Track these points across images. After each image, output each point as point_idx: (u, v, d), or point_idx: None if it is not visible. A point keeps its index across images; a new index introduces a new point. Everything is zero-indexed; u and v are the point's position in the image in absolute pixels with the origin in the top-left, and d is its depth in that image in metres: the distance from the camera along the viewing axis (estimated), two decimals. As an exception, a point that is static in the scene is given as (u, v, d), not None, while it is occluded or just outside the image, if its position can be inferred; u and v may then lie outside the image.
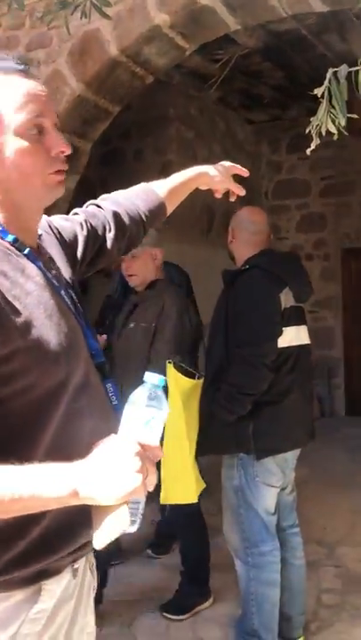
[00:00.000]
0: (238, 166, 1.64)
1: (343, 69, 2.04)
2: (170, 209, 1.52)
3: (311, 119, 2.17)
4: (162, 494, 2.43)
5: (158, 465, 1.12)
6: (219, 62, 5.32)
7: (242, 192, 1.61)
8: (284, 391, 2.35)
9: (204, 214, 6.17)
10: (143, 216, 1.42)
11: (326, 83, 2.09)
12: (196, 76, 5.68)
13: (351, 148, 6.74)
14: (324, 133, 2.10)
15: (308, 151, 2.23)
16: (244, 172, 1.63)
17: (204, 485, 2.55)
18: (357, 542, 3.46)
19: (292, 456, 2.45)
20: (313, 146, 2.21)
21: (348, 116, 2.11)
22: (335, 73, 2.06)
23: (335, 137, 2.16)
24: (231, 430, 2.32)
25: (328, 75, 2.04)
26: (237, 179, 1.66)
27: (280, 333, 2.31)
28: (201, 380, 2.51)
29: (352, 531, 3.62)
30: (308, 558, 2.66)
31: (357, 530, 3.63)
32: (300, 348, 2.43)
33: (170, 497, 2.46)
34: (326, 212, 6.98)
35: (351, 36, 4.79)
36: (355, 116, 2.12)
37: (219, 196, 1.62)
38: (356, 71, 2.08)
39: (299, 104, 6.60)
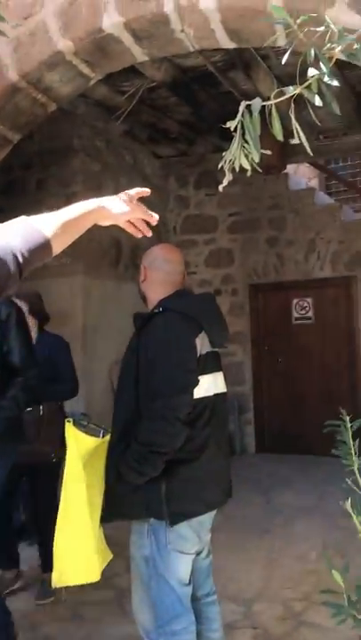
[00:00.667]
0: (141, 189, 1.49)
1: (256, 102, 1.89)
2: (58, 248, 1.29)
3: (223, 154, 2.01)
4: (54, 575, 2.12)
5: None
6: (125, 94, 5.21)
7: (148, 233, 1.49)
8: (200, 447, 2.14)
9: (112, 247, 5.98)
10: (20, 256, 1.18)
11: (239, 116, 1.94)
12: (103, 107, 5.54)
13: (257, 185, 6.84)
14: (237, 169, 1.94)
15: (220, 187, 2.07)
16: (146, 193, 1.51)
17: (111, 556, 2.26)
18: (275, 597, 3.28)
19: (208, 518, 2.24)
20: (226, 182, 2.03)
21: (261, 152, 1.98)
22: (248, 106, 1.92)
23: (248, 173, 2.01)
24: (141, 493, 2.07)
25: (241, 108, 1.90)
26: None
27: (196, 383, 2.11)
28: (107, 438, 2.25)
29: (269, 584, 3.44)
30: (224, 620, 2.44)
31: (274, 582, 3.45)
32: (216, 397, 2.24)
33: (66, 577, 2.15)
34: (234, 248, 6.99)
35: (257, 75, 4.83)
36: (268, 152, 1.97)
37: (133, 232, 1.49)
38: (269, 105, 1.95)
39: (205, 140, 6.62)
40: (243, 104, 1.93)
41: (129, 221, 1.46)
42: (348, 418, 1.90)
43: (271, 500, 4.89)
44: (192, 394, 2.07)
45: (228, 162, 2.01)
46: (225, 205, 7.06)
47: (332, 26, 1.90)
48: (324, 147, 6.15)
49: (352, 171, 8.31)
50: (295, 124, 1.87)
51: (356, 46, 1.81)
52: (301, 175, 8.22)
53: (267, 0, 2.96)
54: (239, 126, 1.96)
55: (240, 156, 1.99)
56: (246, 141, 1.99)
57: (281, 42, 3.22)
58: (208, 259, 7.15)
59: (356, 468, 1.92)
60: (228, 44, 3.45)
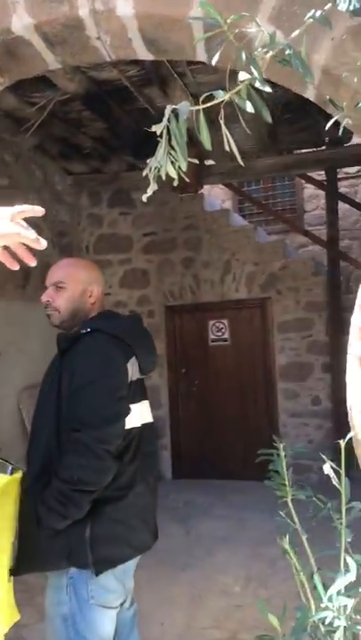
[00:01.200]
0: (29, 207, 1.16)
1: (184, 106, 1.72)
2: None
3: (148, 161, 1.82)
4: None
5: None
6: (36, 105, 4.95)
7: (32, 262, 1.17)
8: (128, 483, 1.92)
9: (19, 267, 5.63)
10: None
11: (165, 120, 1.76)
12: (11, 118, 5.24)
13: (172, 205, 6.75)
14: (164, 177, 1.76)
15: (144, 197, 1.89)
16: (38, 212, 1.17)
17: (18, 617, 1.96)
18: (200, 638, 3.06)
19: (133, 563, 2.01)
20: (150, 191, 1.85)
21: (189, 160, 1.81)
22: (175, 110, 1.76)
23: (175, 182, 1.83)
24: (61, 539, 1.81)
25: (167, 112, 1.72)
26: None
27: (128, 412, 1.89)
28: (17, 475, 1.96)
29: (193, 623, 3.23)
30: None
31: (199, 621, 3.24)
32: (144, 428, 2.03)
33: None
34: (149, 269, 6.83)
35: (173, 92, 4.73)
36: (195, 160, 1.81)
37: (6, 262, 1.17)
38: (197, 111, 1.79)
39: (120, 158, 6.45)
40: (168, 107, 1.75)
41: (3, 247, 1.14)
42: (281, 446, 1.75)
43: (190, 530, 4.69)
44: (124, 424, 1.86)
45: (152, 170, 1.82)
46: (140, 225, 6.92)
47: (263, 29, 1.77)
48: (238, 169, 6.15)
49: (265, 194, 8.43)
50: (225, 131, 1.71)
51: (288, 52, 1.68)
52: (215, 197, 8.24)
53: (186, 10, 2.84)
54: (165, 132, 1.78)
55: (166, 163, 1.81)
56: (172, 148, 1.81)
57: (201, 54, 3.10)
58: (123, 279, 6.95)
59: (289, 499, 1.77)
60: (146, 55, 3.30)
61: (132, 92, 4.90)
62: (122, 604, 2.01)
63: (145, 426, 2.04)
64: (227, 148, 1.65)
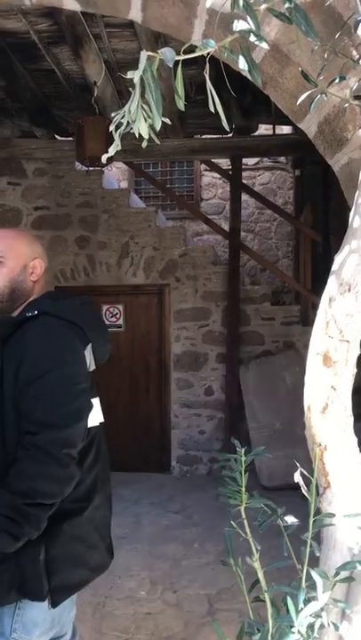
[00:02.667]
0: None
1: (168, 52, 1.43)
2: None
3: (114, 114, 1.52)
4: None
5: None
6: None
7: None
8: (87, 493, 1.61)
9: None
10: None
11: (141, 67, 1.47)
12: None
13: (67, 178, 6.31)
14: (136, 134, 1.48)
15: (103, 158, 1.61)
16: None
17: None
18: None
19: None
20: (112, 151, 1.55)
21: (163, 119, 1.55)
22: (150, 58, 1.48)
23: (144, 143, 1.56)
24: (10, 565, 1.48)
25: (142, 57, 1.43)
26: None
27: (91, 407, 1.59)
28: None
29: (100, 636, 2.95)
30: None
31: (107, 635, 2.97)
32: (100, 428, 1.74)
33: None
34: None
35: (87, 56, 4.33)
36: (167, 120, 1.54)
37: None
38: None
39: (14, 122, 5.90)
40: (143, 53, 1.48)
41: None
42: (243, 450, 1.55)
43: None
44: (87, 422, 1.55)
45: (124, 123, 1.53)
46: (30, 198, 6.39)
47: (259, -25, 1.53)
48: (141, 148, 5.86)
49: (162, 178, 8.20)
50: (211, 90, 1.47)
51: (287, 5, 1.46)
52: (112, 176, 7.87)
53: None
54: (138, 82, 1.51)
55: (140, 119, 1.54)
56: (146, 102, 1.55)
57: (135, 13, 2.81)
58: (9, 255, 6.39)
59: (243, 508, 1.60)
60: (72, 5, 2.89)
61: (40, 49, 4.43)
62: (61, 637, 1.71)
63: (102, 425, 1.75)
64: (211, 109, 1.40)
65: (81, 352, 1.61)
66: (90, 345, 1.66)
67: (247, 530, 1.44)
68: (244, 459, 1.48)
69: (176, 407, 6.20)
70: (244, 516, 1.47)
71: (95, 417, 1.67)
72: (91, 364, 1.69)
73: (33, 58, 4.64)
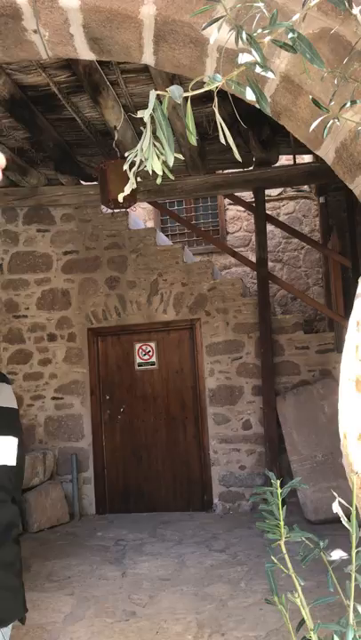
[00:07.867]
0: None
1: (175, 89, 1.46)
2: None
3: (127, 153, 1.54)
4: None
5: None
6: None
7: None
8: None
9: None
10: None
11: (151, 106, 1.50)
12: None
13: (95, 222, 6.43)
14: (150, 171, 1.49)
15: (120, 196, 1.63)
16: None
17: None
18: None
19: None
20: (128, 190, 1.57)
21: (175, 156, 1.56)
22: (159, 97, 1.50)
23: (159, 180, 1.58)
24: None
25: (151, 97, 1.46)
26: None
27: None
28: None
29: None
30: None
31: None
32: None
33: None
34: (70, 289, 6.45)
35: (105, 102, 4.46)
36: (180, 156, 1.55)
37: None
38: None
39: (39, 171, 6.07)
40: (153, 92, 1.51)
41: None
42: (278, 482, 1.51)
43: (126, 571, 4.31)
44: None
45: (136, 165, 1.56)
46: (60, 243, 6.53)
47: (264, 10, 1.55)
48: (166, 187, 5.95)
49: (187, 215, 8.30)
50: (221, 123, 1.49)
51: (291, 35, 1.47)
52: (137, 216, 8.00)
53: (139, 6, 2.59)
54: (148, 120, 1.53)
55: (152, 156, 1.56)
56: (157, 139, 1.57)
57: (148, 57, 2.89)
58: (41, 300, 6.51)
59: (282, 542, 1.53)
60: (87, 55, 3.00)
61: (60, 99, 4.58)
62: None
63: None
64: (222, 141, 1.42)
65: None
66: None
67: (289, 565, 1.38)
68: (279, 491, 1.44)
69: (214, 443, 6.11)
70: (284, 550, 1.41)
71: None
72: None
73: (54, 108, 4.79)
